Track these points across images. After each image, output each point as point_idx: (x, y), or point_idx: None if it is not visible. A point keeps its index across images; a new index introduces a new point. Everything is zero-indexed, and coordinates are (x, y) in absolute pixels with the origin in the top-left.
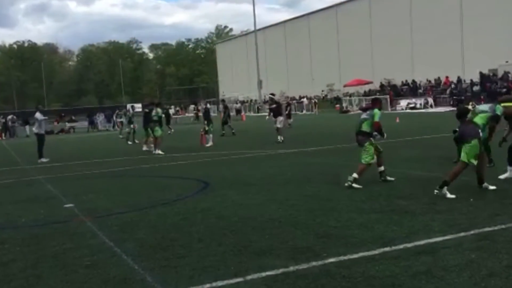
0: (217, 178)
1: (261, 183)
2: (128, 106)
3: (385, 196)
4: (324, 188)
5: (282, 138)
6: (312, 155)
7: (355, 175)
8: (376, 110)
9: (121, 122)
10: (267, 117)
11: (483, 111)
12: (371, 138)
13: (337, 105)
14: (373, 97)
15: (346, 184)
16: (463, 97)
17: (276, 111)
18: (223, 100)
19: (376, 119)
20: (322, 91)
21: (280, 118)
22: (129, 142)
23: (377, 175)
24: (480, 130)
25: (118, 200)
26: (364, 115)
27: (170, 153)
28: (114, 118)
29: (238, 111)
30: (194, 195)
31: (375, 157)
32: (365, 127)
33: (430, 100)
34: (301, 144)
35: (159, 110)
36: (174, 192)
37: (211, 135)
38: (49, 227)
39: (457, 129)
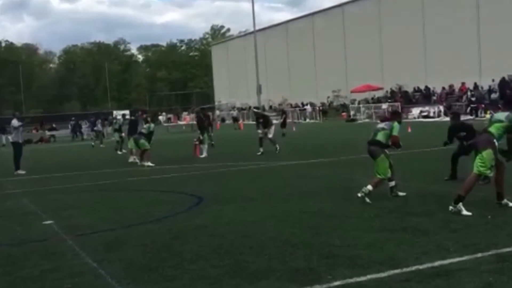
0: (212, 193)
1: (260, 198)
2: (119, 115)
3: (395, 213)
4: (329, 203)
5: (278, 147)
6: (316, 167)
7: (369, 187)
8: (396, 123)
9: (99, 131)
10: (259, 132)
11: (499, 120)
12: (386, 150)
13: (344, 113)
14: (393, 109)
15: (359, 195)
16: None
17: (266, 123)
18: (202, 108)
19: (395, 133)
20: (328, 97)
21: (272, 128)
22: (119, 152)
23: (387, 190)
24: (495, 140)
25: (103, 217)
26: (382, 125)
27: (160, 165)
28: (99, 126)
29: (235, 119)
30: (186, 211)
31: (389, 171)
32: (381, 137)
33: (442, 108)
34: (304, 155)
35: (152, 125)
36: (165, 207)
37: (205, 145)
38: (26, 246)
39: (447, 142)
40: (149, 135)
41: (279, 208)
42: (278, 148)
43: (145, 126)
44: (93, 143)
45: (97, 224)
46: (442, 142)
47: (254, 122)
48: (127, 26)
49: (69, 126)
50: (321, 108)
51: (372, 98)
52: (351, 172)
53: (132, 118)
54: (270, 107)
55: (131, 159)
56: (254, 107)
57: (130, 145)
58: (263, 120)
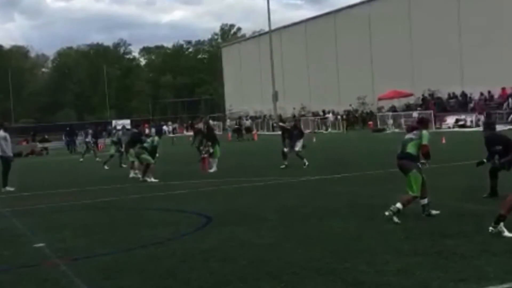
0: (223, 212)
1: (277, 217)
2: (118, 124)
3: (428, 234)
4: (353, 224)
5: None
6: (338, 183)
7: (399, 205)
8: (424, 132)
9: (88, 142)
10: (286, 149)
11: None
12: (418, 164)
13: (370, 122)
14: (419, 116)
15: (386, 213)
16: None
17: (295, 135)
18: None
19: (425, 141)
20: (350, 105)
21: (300, 141)
22: (124, 165)
23: (419, 209)
24: None
25: (100, 239)
26: (410, 135)
27: (164, 181)
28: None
29: (248, 130)
30: (193, 232)
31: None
32: (411, 149)
33: (480, 117)
34: (326, 169)
35: (156, 139)
36: (169, 228)
37: (216, 159)
38: (15, 272)
39: (484, 161)
40: (152, 150)
41: (297, 229)
42: (306, 163)
43: (148, 140)
44: (81, 158)
45: (94, 247)
46: (478, 159)
47: (270, 133)
48: (128, 26)
49: (63, 138)
50: (344, 116)
51: (407, 106)
52: (377, 189)
53: (135, 130)
54: (294, 116)
55: (132, 174)
56: (281, 121)
57: (131, 158)
58: (291, 134)
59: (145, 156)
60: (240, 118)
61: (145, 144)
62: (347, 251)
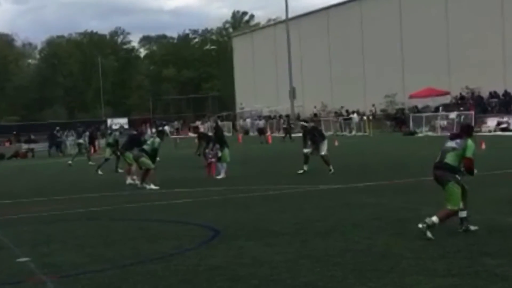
0: (231, 224)
1: (293, 231)
2: (114, 124)
3: (465, 252)
4: (380, 239)
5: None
6: (363, 192)
7: (435, 218)
8: (469, 142)
9: (80, 143)
10: (307, 150)
11: None
12: (457, 175)
13: (400, 124)
14: (464, 122)
15: (420, 226)
16: None
17: (315, 137)
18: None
19: (469, 154)
20: (372, 105)
21: (324, 144)
22: (120, 170)
23: (455, 224)
24: None
25: (93, 253)
26: (452, 143)
27: (166, 188)
28: (83, 139)
29: (261, 131)
30: (198, 247)
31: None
32: (451, 159)
33: None
34: (349, 177)
35: (157, 140)
36: (171, 242)
37: (224, 164)
38: None
39: None
40: (153, 153)
41: (316, 244)
42: (332, 170)
43: (148, 142)
44: (70, 161)
45: (85, 262)
46: None
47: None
48: (127, 12)
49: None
50: (370, 117)
51: (443, 106)
52: (407, 200)
53: (134, 132)
54: (315, 115)
55: (129, 180)
56: (302, 120)
57: (128, 160)
58: (312, 135)
59: (145, 159)
60: (288, 116)
61: (144, 147)
62: (372, 271)
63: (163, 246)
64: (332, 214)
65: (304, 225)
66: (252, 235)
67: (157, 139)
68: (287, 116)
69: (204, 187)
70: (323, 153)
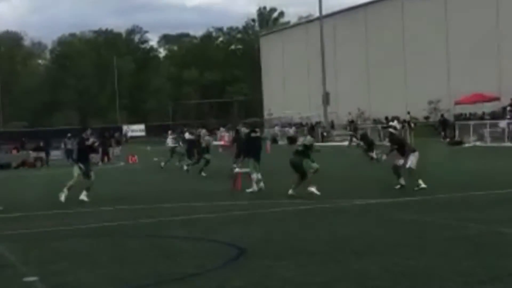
0: (258, 242)
1: (327, 250)
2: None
3: None
4: (422, 260)
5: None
6: (404, 208)
7: None
8: None
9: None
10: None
11: None
12: None
13: (445, 132)
14: None
15: None
16: None
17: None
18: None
19: None
20: (408, 112)
21: (412, 156)
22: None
23: (506, 242)
24: None
25: (106, 272)
26: None
27: (185, 201)
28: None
29: (292, 140)
30: (222, 267)
31: None
32: None
33: None
34: (388, 191)
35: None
36: (192, 261)
37: (254, 176)
38: None
39: None
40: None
41: (352, 265)
42: (421, 185)
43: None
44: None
45: (98, 282)
46: None
47: (318, 143)
48: (145, 9)
49: (63, 145)
50: (412, 125)
51: (493, 113)
52: (453, 217)
53: (192, 137)
54: (351, 122)
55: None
56: (391, 127)
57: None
58: (399, 147)
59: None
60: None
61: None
62: None
63: (183, 266)
64: (369, 232)
65: (338, 244)
66: (281, 254)
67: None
68: (352, 121)
69: (229, 200)
70: (408, 165)
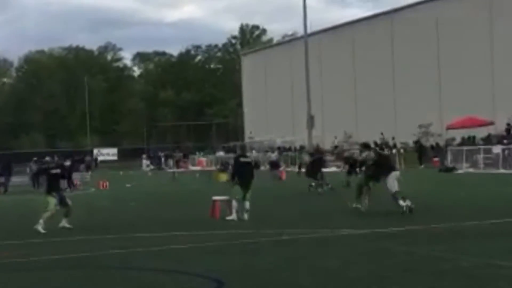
0: (237, 274)
1: (312, 283)
2: (100, 154)
3: None
4: None
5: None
6: (393, 239)
7: None
8: None
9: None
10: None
11: None
12: None
13: (436, 158)
14: None
15: None
16: None
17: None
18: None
19: None
20: (392, 138)
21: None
22: None
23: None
24: None
25: None
26: None
27: (160, 231)
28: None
29: (274, 165)
30: None
31: None
32: None
33: None
34: (376, 220)
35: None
36: None
37: (234, 202)
38: None
39: None
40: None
41: None
42: (407, 206)
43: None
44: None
45: None
46: None
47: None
48: (119, 24)
49: (28, 170)
50: (402, 150)
51: (486, 138)
52: (445, 248)
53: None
54: (336, 147)
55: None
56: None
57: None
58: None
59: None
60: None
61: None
62: None
63: None
64: (356, 264)
65: (325, 276)
66: None
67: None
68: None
69: (206, 229)
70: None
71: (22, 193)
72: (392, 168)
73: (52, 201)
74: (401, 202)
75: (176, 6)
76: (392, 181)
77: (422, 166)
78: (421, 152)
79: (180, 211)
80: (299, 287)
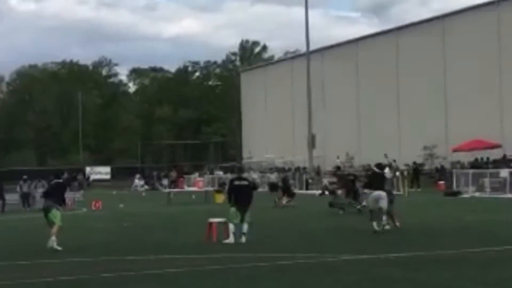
0: None
1: None
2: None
3: None
4: None
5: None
6: (397, 265)
7: None
8: None
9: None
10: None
11: None
12: None
13: (441, 181)
14: None
15: None
16: None
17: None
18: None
19: None
20: (394, 160)
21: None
22: None
23: None
24: None
25: None
26: None
27: (155, 254)
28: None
29: (273, 187)
30: None
31: None
32: None
33: None
34: (378, 245)
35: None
36: None
37: (232, 226)
38: None
39: None
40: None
41: None
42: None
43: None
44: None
45: None
46: None
47: (303, 191)
48: (115, 39)
49: (18, 189)
50: (406, 173)
51: (494, 161)
52: (451, 276)
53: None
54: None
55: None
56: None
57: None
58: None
59: None
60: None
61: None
62: None
63: None
64: None
65: None
66: None
67: None
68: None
69: (202, 253)
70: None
71: (12, 213)
72: (380, 188)
73: (58, 215)
74: (374, 224)
75: (174, 20)
76: (372, 200)
77: (419, 189)
78: (416, 174)
79: (176, 233)
80: None
